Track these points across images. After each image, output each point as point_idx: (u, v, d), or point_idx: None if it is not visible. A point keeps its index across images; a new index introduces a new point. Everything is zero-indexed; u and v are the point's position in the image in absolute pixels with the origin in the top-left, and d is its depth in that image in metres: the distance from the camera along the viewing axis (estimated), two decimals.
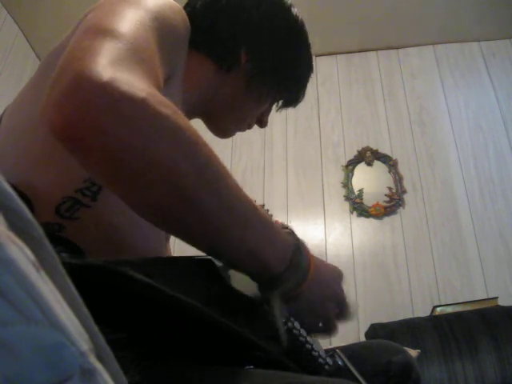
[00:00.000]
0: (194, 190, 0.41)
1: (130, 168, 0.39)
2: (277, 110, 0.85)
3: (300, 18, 0.77)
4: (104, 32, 0.44)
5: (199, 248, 0.46)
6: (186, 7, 0.75)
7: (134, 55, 0.43)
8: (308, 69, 0.82)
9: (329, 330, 0.55)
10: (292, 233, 0.53)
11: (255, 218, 0.47)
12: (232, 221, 0.45)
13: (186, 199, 0.41)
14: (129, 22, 0.47)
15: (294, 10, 0.77)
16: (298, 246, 0.51)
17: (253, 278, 0.49)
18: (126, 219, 0.53)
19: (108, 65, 0.39)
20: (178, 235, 0.46)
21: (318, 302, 0.53)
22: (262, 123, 0.84)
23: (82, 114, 0.37)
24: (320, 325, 0.55)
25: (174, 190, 0.41)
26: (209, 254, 0.47)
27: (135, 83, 0.40)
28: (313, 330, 0.55)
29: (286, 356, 0.48)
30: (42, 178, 0.51)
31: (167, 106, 0.41)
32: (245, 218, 0.46)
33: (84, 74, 0.38)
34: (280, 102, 0.83)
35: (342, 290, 0.57)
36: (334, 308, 0.55)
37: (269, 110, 0.84)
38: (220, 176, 0.44)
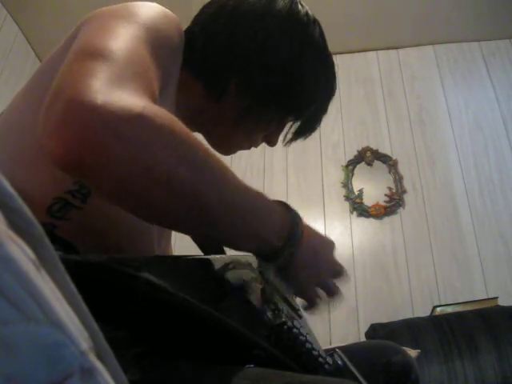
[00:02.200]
0: (199, 194, 0.43)
1: (135, 184, 0.40)
2: (284, 145, 0.77)
3: (317, 37, 0.69)
4: (95, 52, 0.44)
5: (199, 238, 0.51)
6: (191, 23, 0.72)
7: (127, 71, 0.43)
8: (326, 94, 0.74)
9: (329, 291, 0.59)
10: (286, 205, 0.57)
11: (256, 205, 0.51)
12: (234, 214, 0.47)
13: (192, 204, 0.43)
14: (121, 36, 0.47)
15: (310, 30, 0.68)
16: (295, 219, 0.55)
17: (252, 253, 0.53)
18: (116, 221, 0.54)
19: (100, 86, 0.39)
20: (182, 232, 0.48)
21: (311, 267, 0.57)
22: (271, 143, 0.78)
23: (80, 142, 0.37)
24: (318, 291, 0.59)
25: (177, 198, 0.42)
26: (209, 241, 0.50)
27: (129, 100, 0.40)
28: (314, 300, 0.58)
29: (285, 355, 0.48)
30: (34, 179, 0.52)
31: (163, 117, 0.41)
32: (245, 208, 0.49)
33: (77, 100, 0.38)
34: (289, 134, 0.76)
35: (333, 256, 0.61)
36: (329, 274, 0.59)
37: (278, 130, 0.76)
38: (221, 177, 0.46)
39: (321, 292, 0.59)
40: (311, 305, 0.59)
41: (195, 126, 0.72)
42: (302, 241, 0.54)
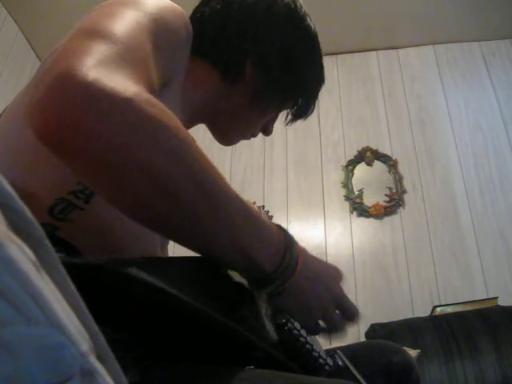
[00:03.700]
0: (178, 189, 0.40)
1: (113, 168, 0.38)
2: (286, 125, 0.82)
3: (313, 28, 0.75)
4: (95, 33, 0.43)
5: (189, 247, 0.46)
6: (195, 13, 0.74)
7: (125, 56, 0.42)
8: (319, 81, 0.80)
9: (331, 328, 0.54)
10: (282, 229, 0.52)
11: (246, 218, 0.47)
12: (221, 220, 0.44)
13: (171, 199, 0.40)
14: (124, 23, 0.46)
15: (307, 21, 0.74)
16: (289, 243, 0.50)
17: (243, 275, 0.49)
18: (119, 222, 0.53)
19: (94, 65, 0.39)
20: (167, 236, 0.46)
21: (310, 298, 0.52)
22: (267, 132, 0.82)
23: (63, 114, 0.36)
24: (321, 324, 0.54)
25: (157, 190, 0.40)
26: (199, 253, 0.46)
27: (121, 83, 0.39)
28: (314, 330, 0.54)
29: (286, 356, 0.48)
30: (36, 179, 0.51)
31: (153, 106, 0.40)
32: (235, 218, 0.45)
33: (68, 74, 0.37)
34: (288, 116, 0.81)
35: (340, 289, 0.55)
36: (333, 306, 0.54)
37: (274, 119, 0.82)
38: (207, 175, 0.43)
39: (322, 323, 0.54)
40: (311, 333, 0.54)
41: (203, 116, 0.74)
42: (295, 268, 0.49)
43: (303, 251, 0.53)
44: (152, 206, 0.41)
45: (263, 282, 0.49)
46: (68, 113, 0.36)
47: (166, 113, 0.41)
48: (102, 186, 0.41)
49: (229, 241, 0.45)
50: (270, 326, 0.49)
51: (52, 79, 0.38)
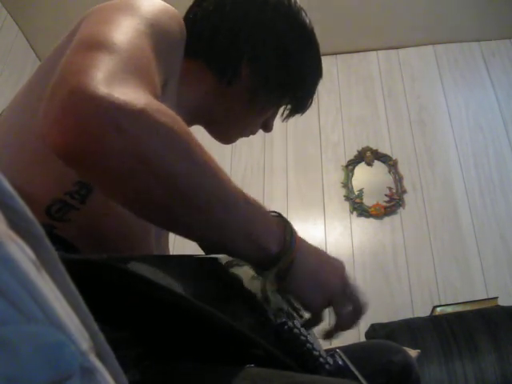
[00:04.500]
0: (197, 191, 0.43)
1: (133, 179, 0.40)
2: (283, 120, 0.81)
3: (308, 23, 0.74)
4: (97, 44, 0.44)
5: (196, 240, 0.48)
6: (188, 14, 0.74)
7: (129, 65, 0.43)
8: (316, 76, 0.79)
9: (341, 319, 0.54)
10: (278, 214, 0.55)
11: (250, 207, 0.49)
12: (228, 214, 0.46)
13: (190, 202, 0.43)
14: (123, 30, 0.47)
15: (302, 16, 0.74)
16: (287, 224, 0.53)
17: (250, 261, 0.51)
18: (114, 221, 0.54)
19: (103, 78, 0.39)
20: (178, 232, 0.47)
21: (318, 275, 0.53)
22: (267, 128, 0.82)
23: (81, 131, 0.37)
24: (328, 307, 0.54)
25: (175, 196, 0.42)
26: (207, 245, 0.48)
27: (132, 94, 0.40)
28: (319, 317, 0.54)
29: (286, 355, 0.48)
30: (33, 179, 0.52)
31: (165, 114, 0.41)
32: (239, 209, 0.47)
33: (79, 90, 0.38)
34: (286, 111, 0.80)
35: (345, 275, 0.56)
36: (343, 294, 0.54)
37: (274, 115, 0.81)
38: (218, 179, 0.45)
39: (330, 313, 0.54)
40: (312, 322, 0.55)
41: (199, 117, 0.74)
42: (296, 242, 0.51)
43: (303, 239, 0.54)
44: (171, 209, 0.43)
45: (270, 263, 0.50)
46: (86, 129, 0.37)
47: (176, 120, 0.42)
48: (124, 198, 0.43)
49: (236, 231, 0.48)
50: (273, 305, 0.50)
51: (65, 97, 0.38)
